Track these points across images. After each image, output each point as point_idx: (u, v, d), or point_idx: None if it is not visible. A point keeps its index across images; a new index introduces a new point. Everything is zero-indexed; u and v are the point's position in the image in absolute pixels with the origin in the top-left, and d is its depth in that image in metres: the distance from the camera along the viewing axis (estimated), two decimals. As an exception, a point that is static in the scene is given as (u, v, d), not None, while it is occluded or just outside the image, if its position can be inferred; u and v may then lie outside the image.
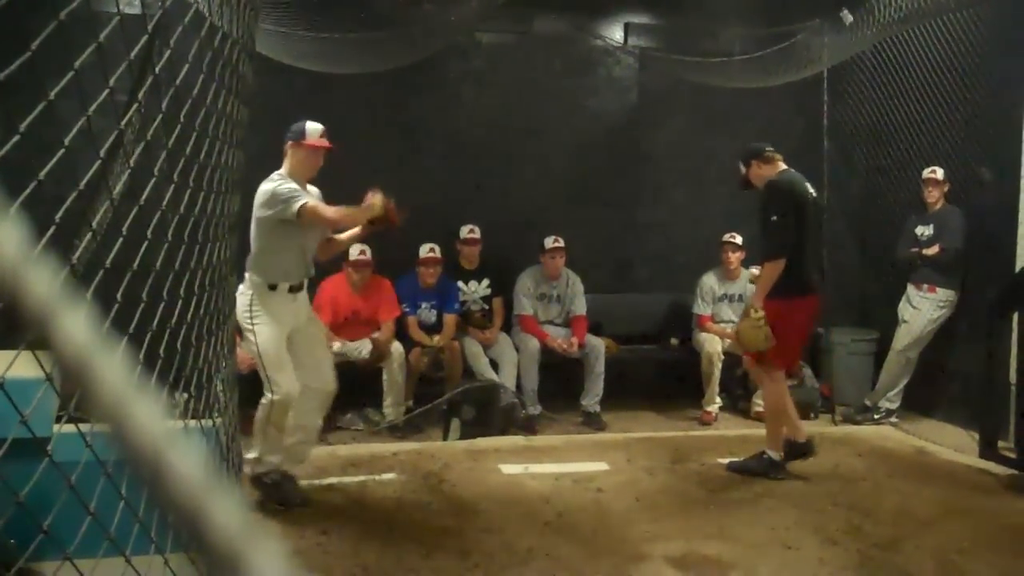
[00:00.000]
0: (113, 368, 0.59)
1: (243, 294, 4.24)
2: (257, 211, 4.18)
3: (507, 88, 7.24)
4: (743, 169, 5.09)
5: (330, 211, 4.21)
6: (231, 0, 2.64)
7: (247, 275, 4.25)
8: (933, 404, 6.54)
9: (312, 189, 4.38)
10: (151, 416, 0.59)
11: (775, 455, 4.95)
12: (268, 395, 4.20)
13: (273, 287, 4.23)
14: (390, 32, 6.00)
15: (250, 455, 4.37)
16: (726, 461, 5.22)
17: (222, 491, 0.57)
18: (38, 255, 0.58)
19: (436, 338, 6.36)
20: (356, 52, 6.05)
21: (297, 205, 4.06)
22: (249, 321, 4.17)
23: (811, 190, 5.00)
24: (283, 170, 4.27)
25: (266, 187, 4.18)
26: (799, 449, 5.03)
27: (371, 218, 4.30)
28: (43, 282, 0.58)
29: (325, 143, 4.29)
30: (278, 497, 4.33)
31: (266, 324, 4.20)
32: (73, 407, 1.54)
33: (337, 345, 5.98)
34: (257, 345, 4.16)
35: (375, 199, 4.26)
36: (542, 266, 6.70)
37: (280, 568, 0.55)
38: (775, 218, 4.77)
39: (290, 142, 4.27)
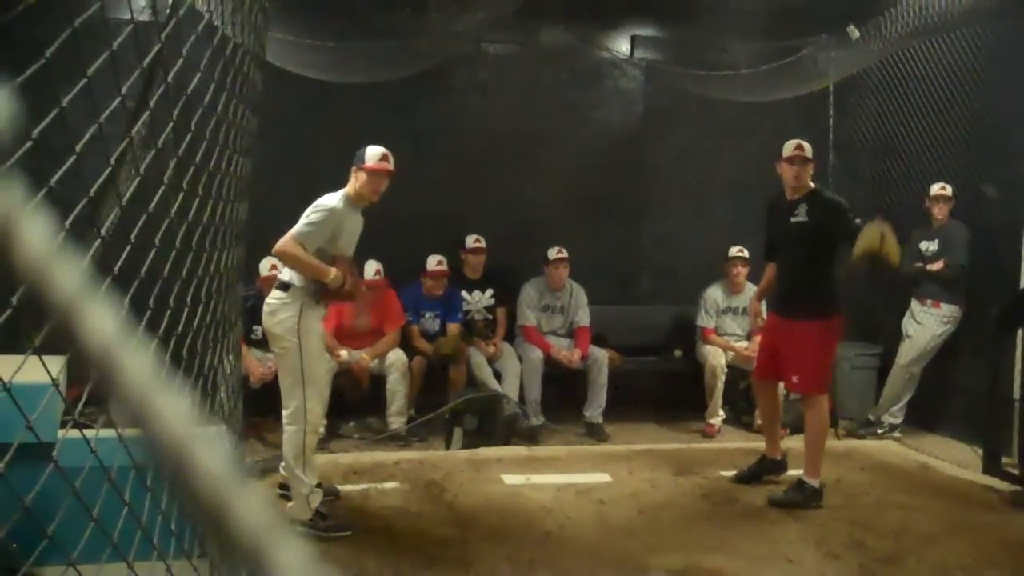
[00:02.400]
0: (140, 360, 0.59)
1: (287, 304, 4.08)
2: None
3: (513, 99, 7.26)
4: (808, 161, 4.85)
5: (299, 252, 4.05)
6: (243, 7, 2.66)
7: (291, 284, 4.11)
8: (936, 419, 6.52)
9: (358, 218, 4.37)
10: (177, 409, 0.59)
11: (815, 483, 4.76)
12: (295, 424, 4.07)
13: (318, 300, 4.17)
14: (397, 42, 6.03)
15: (301, 496, 4.13)
16: (729, 474, 5.22)
17: (246, 486, 0.57)
18: (64, 249, 0.58)
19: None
20: (363, 62, 6.08)
21: (296, 238, 4.04)
22: (295, 335, 4.03)
23: None
24: (346, 190, 4.26)
25: (321, 202, 4.16)
26: (773, 467, 5.02)
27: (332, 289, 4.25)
28: (70, 274, 0.59)
29: (386, 166, 4.28)
30: (336, 524, 4.19)
31: (314, 340, 4.12)
32: (78, 412, 1.54)
33: (344, 354, 6.01)
34: (303, 361, 4.02)
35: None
36: (546, 277, 6.70)
37: (304, 563, 0.56)
38: (859, 220, 4.72)
39: (353, 166, 4.29)
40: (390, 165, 4.30)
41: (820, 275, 4.79)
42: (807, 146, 4.86)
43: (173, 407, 0.59)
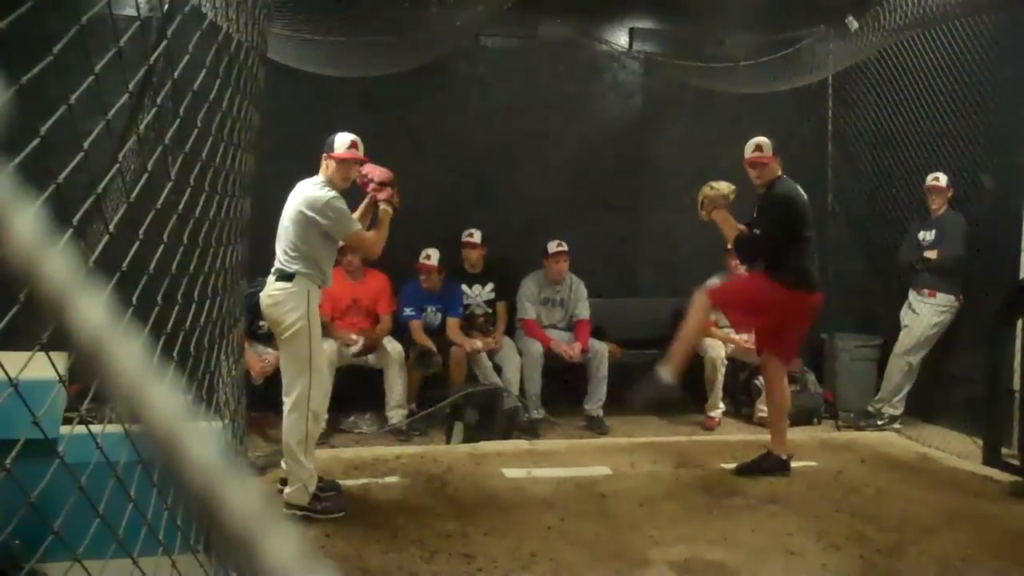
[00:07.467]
0: (130, 351, 0.59)
1: (294, 293, 4.11)
2: (308, 214, 4.14)
3: (511, 92, 7.25)
4: (771, 153, 5.00)
5: (370, 237, 4.34)
6: (246, 3, 2.65)
7: (296, 273, 4.14)
8: (937, 410, 6.52)
9: None
10: (167, 399, 0.59)
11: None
12: (298, 410, 4.09)
13: (319, 287, 4.23)
14: (395, 36, 6.01)
15: (299, 482, 4.18)
16: (730, 466, 5.22)
17: (237, 475, 0.57)
18: (55, 241, 0.58)
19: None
20: (361, 56, 6.07)
21: (353, 229, 4.20)
22: (306, 319, 4.07)
23: None
24: (321, 177, 4.28)
25: (319, 195, 4.17)
26: (777, 465, 5.05)
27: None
28: (60, 266, 0.58)
29: (354, 155, 4.29)
30: (331, 506, 4.27)
31: (319, 326, 4.18)
32: (84, 408, 1.54)
33: (352, 337, 6.05)
34: (311, 346, 4.09)
35: (387, 200, 4.43)
36: (546, 270, 6.70)
37: (294, 550, 0.56)
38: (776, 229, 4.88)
39: (324, 153, 4.30)
40: (359, 153, 4.32)
41: (789, 261, 4.88)
42: (766, 145, 5.00)
43: (164, 398, 0.59)
